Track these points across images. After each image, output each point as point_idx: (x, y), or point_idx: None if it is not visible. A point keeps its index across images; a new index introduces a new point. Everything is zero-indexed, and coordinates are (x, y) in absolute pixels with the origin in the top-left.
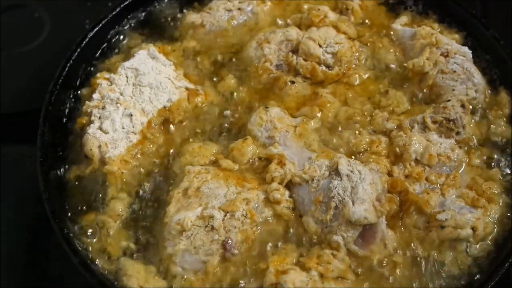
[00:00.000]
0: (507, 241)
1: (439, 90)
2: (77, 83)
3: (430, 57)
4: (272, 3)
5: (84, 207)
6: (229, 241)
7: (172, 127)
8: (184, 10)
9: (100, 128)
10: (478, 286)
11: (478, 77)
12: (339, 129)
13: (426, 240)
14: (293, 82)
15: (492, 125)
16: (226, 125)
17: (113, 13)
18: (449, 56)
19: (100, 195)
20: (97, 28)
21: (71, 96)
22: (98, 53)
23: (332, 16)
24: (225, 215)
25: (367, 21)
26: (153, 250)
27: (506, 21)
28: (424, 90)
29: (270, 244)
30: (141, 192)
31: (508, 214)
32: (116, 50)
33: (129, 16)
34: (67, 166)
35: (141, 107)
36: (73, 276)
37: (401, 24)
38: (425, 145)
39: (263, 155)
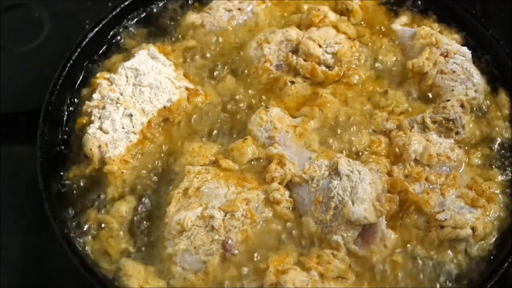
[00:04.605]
0: (506, 241)
1: (438, 90)
2: (77, 83)
3: (429, 57)
4: (272, 3)
5: (84, 207)
6: (229, 241)
7: (172, 127)
8: (184, 10)
9: (100, 128)
10: (478, 286)
11: (477, 77)
12: (339, 129)
13: (426, 240)
14: (293, 82)
15: (491, 125)
16: (226, 125)
17: (113, 13)
18: (449, 56)
19: (100, 195)
20: (97, 28)
21: (71, 96)
22: (98, 53)
23: (332, 16)
24: (225, 215)
25: (367, 21)
26: (153, 250)
27: (506, 21)
28: (424, 90)
29: (270, 244)
30: (141, 192)
31: (508, 214)
32: (116, 50)
33: (129, 16)
34: (67, 166)
35: (141, 107)
36: (73, 276)
37: (400, 24)
38: (425, 145)
39: (263, 155)
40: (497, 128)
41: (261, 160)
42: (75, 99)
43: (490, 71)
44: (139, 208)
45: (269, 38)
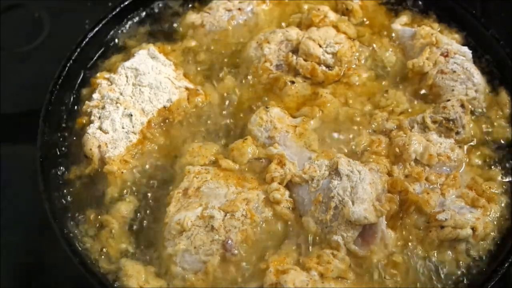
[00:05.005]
0: (507, 241)
1: (438, 90)
2: (77, 83)
3: (430, 57)
4: (272, 3)
5: (84, 207)
6: (229, 241)
7: (172, 127)
8: (184, 10)
9: (100, 128)
10: (478, 286)
11: (478, 77)
12: (339, 129)
13: (426, 240)
14: (293, 82)
15: (492, 125)
16: (226, 125)
17: (113, 13)
18: (449, 56)
19: (100, 195)
20: (97, 28)
21: (71, 96)
22: (98, 53)
23: (332, 16)
24: (225, 215)
25: (367, 21)
26: (153, 250)
27: (506, 21)
28: (424, 90)
29: (270, 244)
30: (141, 192)
31: (508, 214)
32: (116, 50)
33: (129, 16)
34: (67, 166)
35: (141, 107)
36: (73, 276)
37: (401, 24)
38: (425, 145)
39: (263, 155)
40: (497, 128)
41: (261, 160)
42: (75, 99)
43: (490, 71)
44: (139, 208)
45: (269, 38)
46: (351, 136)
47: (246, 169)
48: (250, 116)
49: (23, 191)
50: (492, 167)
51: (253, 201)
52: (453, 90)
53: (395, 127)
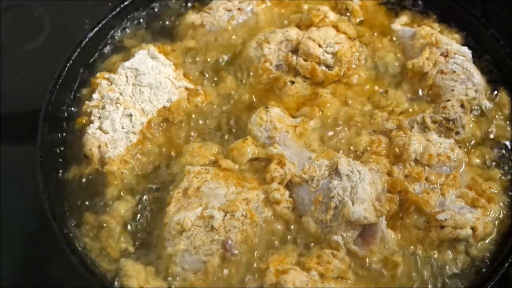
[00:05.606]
0: (507, 241)
1: (438, 90)
2: (77, 83)
3: (429, 57)
4: (272, 3)
5: (84, 207)
6: (229, 241)
7: (172, 127)
8: (184, 10)
9: (100, 128)
10: (478, 286)
11: (478, 77)
12: (339, 129)
13: (426, 240)
14: (293, 82)
15: (492, 125)
16: (226, 125)
17: (113, 13)
18: (449, 56)
19: (100, 195)
20: (97, 28)
21: (71, 96)
22: (98, 53)
23: (332, 16)
24: (225, 215)
25: (367, 21)
26: (153, 250)
27: (506, 21)
28: (424, 90)
29: (270, 244)
30: (140, 192)
31: (508, 214)
32: (116, 50)
33: (129, 16)
34: (67, 166)
35: (141, 107)
36: (73, 276)
37: (400, 24)
38: (425, 145)
39: (263, 155)
40: (497, 128)
41: (261, 160)
42: (75, 99)
43: (490, 71)
44: (139, 208)
45: (269, 38)
46: (351, 136)
47: (246, 169)
48: (250, 116)
49: (23, 191)
50: (492, 167)
51: (253, 201)
52: (453, 90)
53: (395, 127)
